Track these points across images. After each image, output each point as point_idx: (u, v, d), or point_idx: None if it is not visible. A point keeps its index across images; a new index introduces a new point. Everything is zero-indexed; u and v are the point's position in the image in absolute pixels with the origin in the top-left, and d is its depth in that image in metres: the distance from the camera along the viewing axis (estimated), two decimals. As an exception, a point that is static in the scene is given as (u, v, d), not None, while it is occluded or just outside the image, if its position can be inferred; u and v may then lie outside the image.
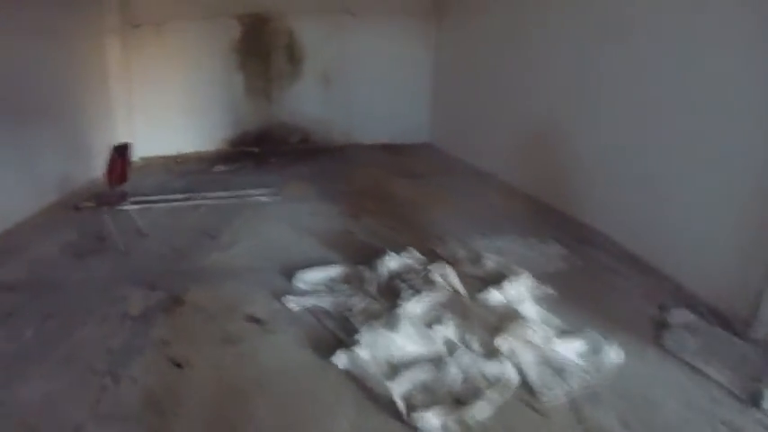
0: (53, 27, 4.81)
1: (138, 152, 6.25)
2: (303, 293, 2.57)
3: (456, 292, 2.58)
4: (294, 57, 6.51)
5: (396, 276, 2.71)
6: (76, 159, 5.20)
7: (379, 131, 6.59)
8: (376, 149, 6.35)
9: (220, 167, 5.69)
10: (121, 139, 5.86)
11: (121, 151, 3.57)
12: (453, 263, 2.87)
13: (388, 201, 4.10)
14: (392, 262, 2.82)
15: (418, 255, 2.93)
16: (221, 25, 6.34)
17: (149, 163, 6.14)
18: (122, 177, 3.56)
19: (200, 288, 2.66)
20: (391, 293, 2.56)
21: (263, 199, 4.27)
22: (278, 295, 2.54)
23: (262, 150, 6.43)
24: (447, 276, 2.68)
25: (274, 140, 6.52)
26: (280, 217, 3.78)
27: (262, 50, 6.49)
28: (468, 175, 4.94)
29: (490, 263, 2.88)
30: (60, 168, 4.91)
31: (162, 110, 6.36)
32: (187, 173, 5.63)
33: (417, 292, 2.51)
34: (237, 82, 6.49)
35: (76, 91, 5.30)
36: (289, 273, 2.75)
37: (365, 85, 6.53)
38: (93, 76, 5.66)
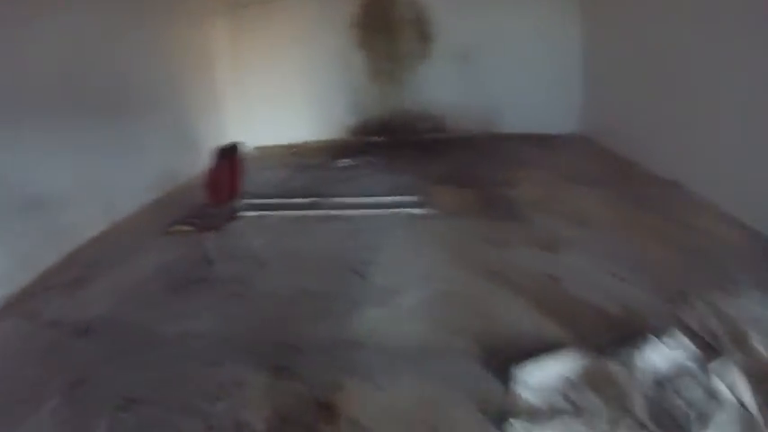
0: (154, 10, 4.24)
1: (249, 142, 5.64)
2: (535, 414, 1.55)
3: (748, 413, 1.48)
4: (424, 33, 5.47)
5: (665, 384, 1.64)
6: (180, 152, 4.65)
7: (521, 120, 5.33)
8: (521, 141, 5.14)
9: (344, 161, 4.83)
10: (229, 131, 5.25)
11: (229, 155, 2.73)
12: (717, 348, 1.76)
13: (579, 223, 2.94)
14: (655, 355, 1.73)
15: (686, 341, 1.82)
16: (338, -1, 5.43)
17: (262, 154, 5.45)
18: (230, 192, 2.73)
19: (357, 385, 1.69)
20: (668, 419, 1.50)
21: (413, 212, 3.31)
22: (493, 414, 1.54)
23: (387, 140, 5.50)
24: (735, 387, 1.58)
25: (401, 129, 5.55)
26: (444, 243, 2.79)
27: (386, 26, 5.51)
28: (654, 185, 3.55)
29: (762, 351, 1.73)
30: (163, 163, 4.37)
31: (274, 95, 5.68)
32: (306, 167, 4.84)
33: (704, 417, 1.45)
34: (358, 63, 5.58)
35: (180, 78, 4.74)
36: (497, 362, 1.74)
37: (505, 65, 5.32)
38: (197, 62, 5.08)
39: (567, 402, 1.59)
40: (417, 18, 5.47)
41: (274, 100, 5.71)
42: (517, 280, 2.32)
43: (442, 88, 5.45)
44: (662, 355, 1.75)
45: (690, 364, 1.74)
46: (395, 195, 3.64)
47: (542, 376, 1.67)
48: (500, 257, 2.57)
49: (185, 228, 2.65)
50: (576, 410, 1.56)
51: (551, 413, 1.55)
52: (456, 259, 2.58)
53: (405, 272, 2.51)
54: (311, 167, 4.83)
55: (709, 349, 1.80)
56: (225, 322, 2.19)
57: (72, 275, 2.75)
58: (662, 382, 1.66)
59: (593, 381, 1.68)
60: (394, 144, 5.31)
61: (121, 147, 3.71)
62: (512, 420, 1.50)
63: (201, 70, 5.14)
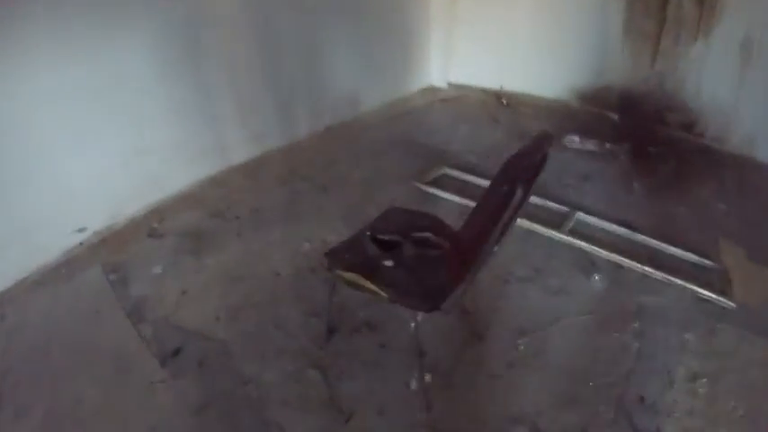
0: None
1: (449, 76, 4.77)
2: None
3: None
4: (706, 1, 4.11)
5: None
6: (370, 77, 4.15)
7: None
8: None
9: (573, 139, 3.89)
10: (431, 62, 4.59)
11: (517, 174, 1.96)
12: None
13: None
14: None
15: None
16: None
17: (462, 96, 4.58)
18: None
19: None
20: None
21: (709, 297, 2.41)
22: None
23: (626, 122, 4.40)
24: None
25: (643, 112, 4.41)
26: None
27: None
28: None
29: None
30: (348, 86, 3.95)
31: (492, 25, 4.61)
32: (523, 132, 3.94)
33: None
34: (615, 13, 4.38)
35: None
36: None
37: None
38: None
39: None
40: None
41: (490, 30, 4.69)
42: None
43: (712, 79, 4.16)
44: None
45: None
46: (673, 245, 2.74)
47: None
48: None
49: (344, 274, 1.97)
50: None
51: None
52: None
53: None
54: (528, 134, 3.93)
55: None
56: None
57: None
58: None
59: None
60: (634, 131, 4.22)
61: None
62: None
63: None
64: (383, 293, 1.70)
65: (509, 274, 2.55)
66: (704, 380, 2.06)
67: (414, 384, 1.95)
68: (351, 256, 1.83)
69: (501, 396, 1.96)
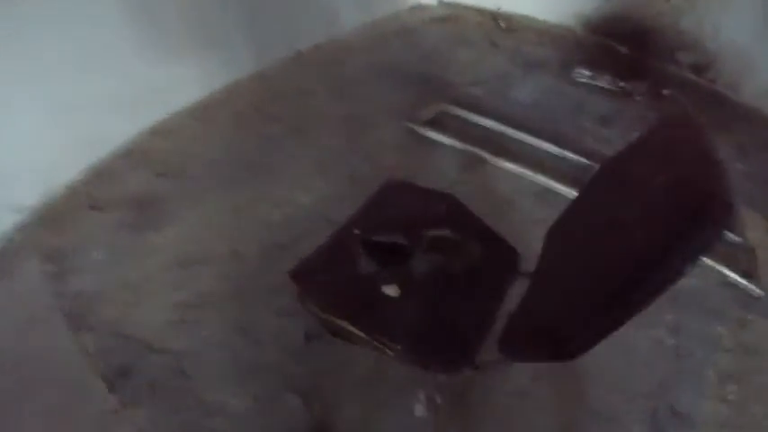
0: None
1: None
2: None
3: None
4: None
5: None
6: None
7: None
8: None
9: (582, 73, 3.38)
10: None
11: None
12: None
13: None
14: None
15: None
16: None
17: (455, 16, 3.93)
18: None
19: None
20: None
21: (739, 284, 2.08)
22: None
23: (634, 55, 3.89)
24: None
25: (653, 46, 3.90)
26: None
27: None
28: None
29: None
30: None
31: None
32: (531, 64, 3.40)
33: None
34: None
35: None
36: None
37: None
38: None
39: None
40: None
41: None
42: None
43: (739, 17, 3.60)
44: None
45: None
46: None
47: None
48: None
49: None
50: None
51: None
52: None
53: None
54: (538, 67, 3.40)
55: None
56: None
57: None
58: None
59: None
60: (645, 68, 3.72)
61: None
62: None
63: None
64: (387, 350, 1.14)
65: (528, 249, 2.12)
66: (734, 385, 1.81)
67: (420, 410, 1.52)
68: (331, 279, 1.24)
69: (525, 418, 1.60)
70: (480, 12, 4.04)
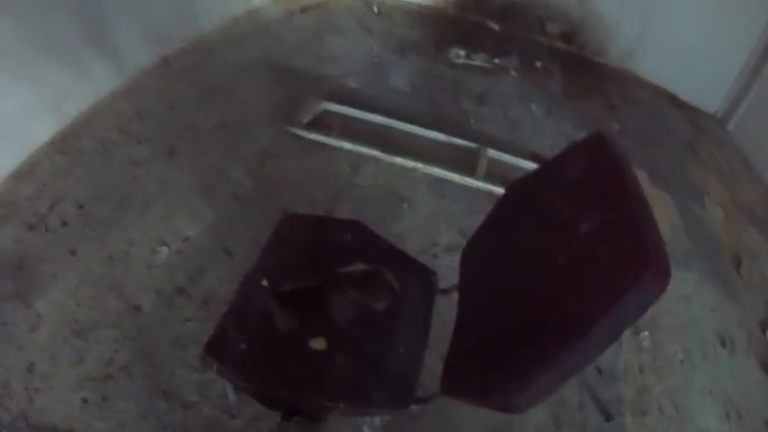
0: None
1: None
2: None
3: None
4: None
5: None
6: None
7: (668, 70, 3.61)
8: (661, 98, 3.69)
9: (458, 54, 3.41)
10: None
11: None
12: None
13: None
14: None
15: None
16: None
17: (325, 3, 3.78)
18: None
19: None
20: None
21: None
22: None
23: (504, 30, 3.97)
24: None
25: (522, 20, 4.02)
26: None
27: None
28: None
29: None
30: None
31: None
32: (406, 47, 3.36)
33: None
34: None
35: None
36: None
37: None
38: None
39: None
40: None
41: None
42: None
43: None
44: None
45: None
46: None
47: None
48: None
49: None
50: None
51: None
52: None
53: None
54: (413, 49, 3.37)
55: None
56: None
57: None
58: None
59: None
60: (517, 41, 3.82)
61: None
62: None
63: None
64: (333, 410, 1.04)
65: (433, 245, 2.10)
66: (646, 332, 1.97)
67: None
68: (251, 348, 1.07)
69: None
70: (352, -3, 3.92)
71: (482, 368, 0.93)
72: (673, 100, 3.58)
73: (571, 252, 0.86)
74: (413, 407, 1.05)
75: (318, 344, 1.07)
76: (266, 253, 1.26)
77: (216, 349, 1.07)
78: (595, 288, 0.76)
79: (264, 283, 1.15)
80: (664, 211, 2.52)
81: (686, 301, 2.14)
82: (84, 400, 1.54)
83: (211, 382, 1.60)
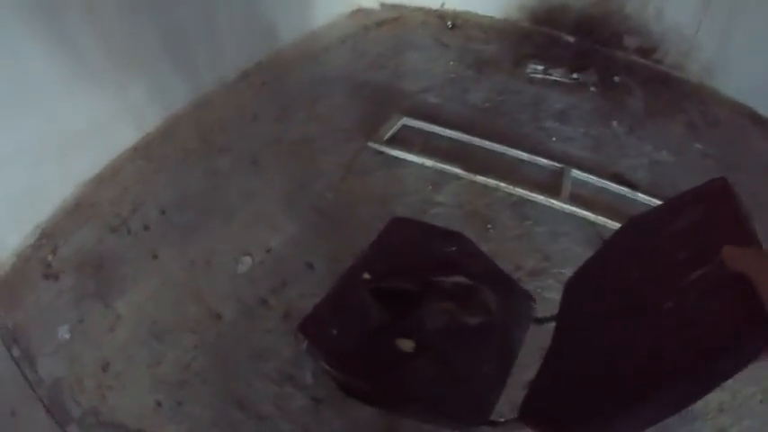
0: None
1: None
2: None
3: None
4: None
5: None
6: None
7: (749, 85, 3.30)
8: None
9: (536, 68, 3.33)
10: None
11: None
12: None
13: None
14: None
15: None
16: None
17: (400, 17, 3.78)
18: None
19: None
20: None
21: None
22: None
23: (579, 44, 3.87)
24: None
25: (600, 34, 3.90)
26: None
27: None
28: None
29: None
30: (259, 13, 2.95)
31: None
32: (483, 63, 3.30)
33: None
34: None
35: None
36: None
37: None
38: None
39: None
40: None
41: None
42: None
43: (675, 2, 3.62)
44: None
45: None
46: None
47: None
48: None
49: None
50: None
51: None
52: None
53: None
54: (490, 64, 3.31)
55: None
56: None
57: None
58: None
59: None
60: (594, 56, 3.71)
61: None
62: None
63: None
64: (401, 409, 1.07)
65: (518, 269, 2.03)
66: None
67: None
68: (342, 334, 1.12)
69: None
70: (424, 11, 3.91)
71: (567, 404, 0.91)
72: (754, 117, 3.37)
73: (679, 298, 0.82)
74: (484, 427, 1.02)
75: (406, 345, 1.09)
76: (371, 250, 1.30)
77: (309, 329, 1.12)
78: (698, 339, 0.72)
79: (366, 276, 1.20)
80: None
81: None
82: (158, 403, 1.58)
83: (289, 395, 1.60)
